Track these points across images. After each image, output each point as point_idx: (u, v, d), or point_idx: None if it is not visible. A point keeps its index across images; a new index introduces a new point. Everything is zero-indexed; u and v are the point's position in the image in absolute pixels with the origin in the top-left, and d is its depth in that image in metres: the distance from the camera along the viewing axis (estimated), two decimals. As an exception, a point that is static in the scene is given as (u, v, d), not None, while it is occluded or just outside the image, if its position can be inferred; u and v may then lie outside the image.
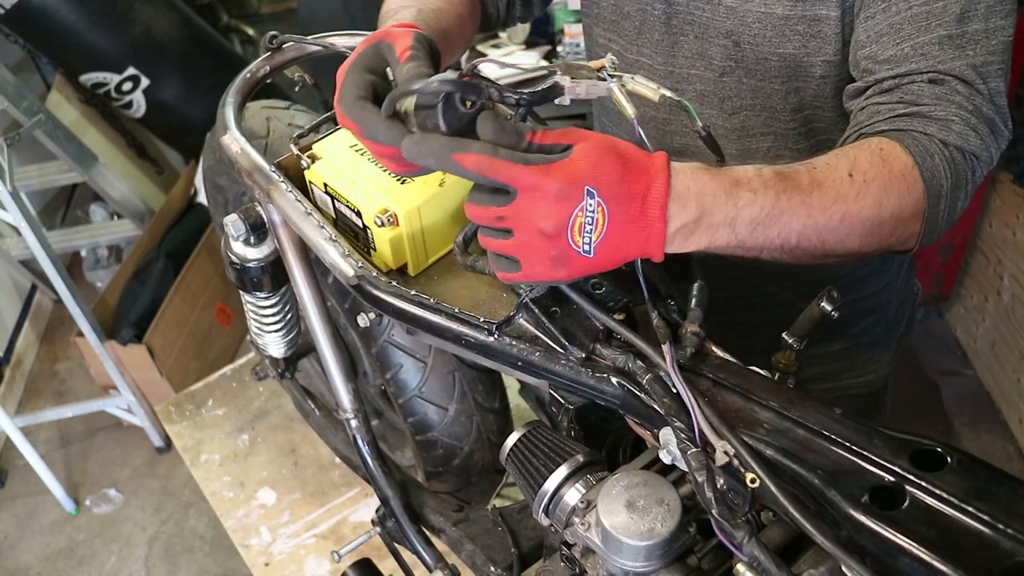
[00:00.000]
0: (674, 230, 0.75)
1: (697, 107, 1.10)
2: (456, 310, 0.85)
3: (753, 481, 0.69)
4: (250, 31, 4.05)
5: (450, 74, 0.72)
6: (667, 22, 1.08)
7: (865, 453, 0.68)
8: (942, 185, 0.85)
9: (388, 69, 0.82)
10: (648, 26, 1.11)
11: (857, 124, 0.92)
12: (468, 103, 0.73)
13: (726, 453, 0.71)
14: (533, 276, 0.75)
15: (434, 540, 1.32)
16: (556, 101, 0.76)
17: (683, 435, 0.73)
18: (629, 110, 0.76)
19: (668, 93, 0.78)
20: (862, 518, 0.64)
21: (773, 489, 0.68)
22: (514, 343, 0.83)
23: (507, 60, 2.82)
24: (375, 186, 0.91)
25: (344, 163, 0.95)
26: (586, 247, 0.72)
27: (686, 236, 0.76)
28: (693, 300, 0.82)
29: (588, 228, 0.72)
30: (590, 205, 0.71)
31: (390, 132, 0.75)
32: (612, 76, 0.78)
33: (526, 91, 0.75)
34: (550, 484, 0.85)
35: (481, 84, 0.72)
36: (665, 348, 0.76)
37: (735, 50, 1.04)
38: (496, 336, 0.83)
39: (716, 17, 1.03)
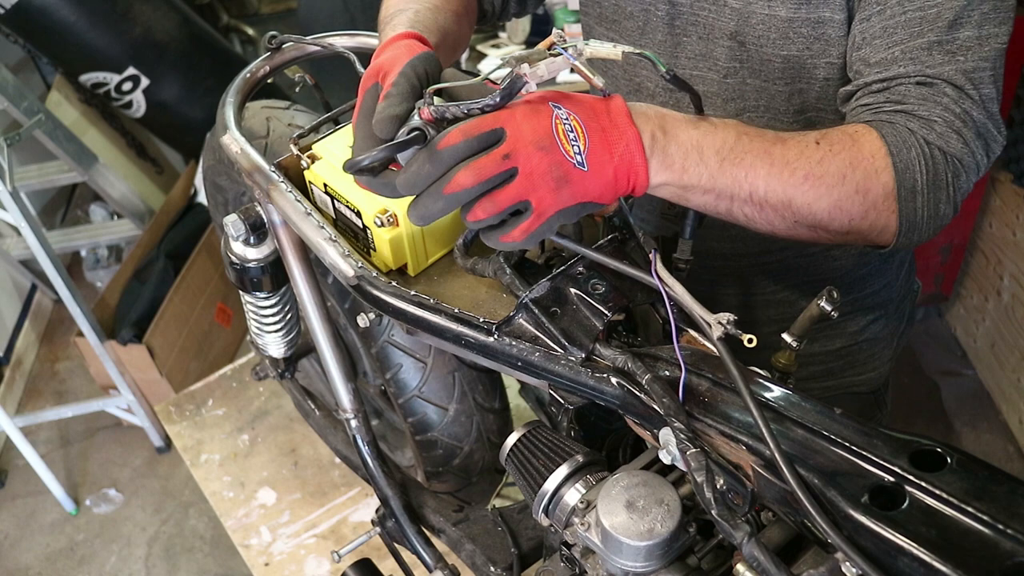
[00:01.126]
0: (648, 139, 0.79)
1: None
2: (456, 310, 0.85)
3: (751, 342, 0.74)
4: (250, 31, 4.05)
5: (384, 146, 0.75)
6: (670, 22, 1.08)
7: (865, 453, 0.68)
8: (916, 180, 0.86)
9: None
10: (651, 26, 1.10)
11: (847, 123, 0.94)
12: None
13: (721, 323, 0.75)
14: (546, 210, 0.76)
15: (434, 540, 1.32)
16: (523, 91, 0.77)
17: (683, 435, 0.73)
18: (596, 81, 0.77)
19: (628, 48, 0.78)
20: (862, 518, 0.64)
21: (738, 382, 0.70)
22: (514, 343, 0.83)
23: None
24: (375, 186, 0.91)
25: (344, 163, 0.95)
26: (578, 157, 0.75)
27: (661, 153, 0.79)
28: (687, 230, 0.88)
29: (572, 136, 0.75)
30: (562, 114, 0.76)
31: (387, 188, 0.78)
32: (564, 48, 0.77)
33: (489, 96, 0.76)
34: (550, 484, 0.85)
35: (424, 131, 0.75)
36: (652, 255, 0.82)
37: (740, 51, 1.04)
38: (496, 336, 0.83)
39: (721, 18, 1.03)
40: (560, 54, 0.77)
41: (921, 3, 0.88)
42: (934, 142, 0.87)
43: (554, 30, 0.79)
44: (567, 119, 0.75)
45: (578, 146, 0.75)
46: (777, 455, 0.68)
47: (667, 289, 0.80)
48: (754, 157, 0.82)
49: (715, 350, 0.76)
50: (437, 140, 0.73)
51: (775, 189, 0.83)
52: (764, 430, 0.70)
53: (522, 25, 2.83)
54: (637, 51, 0.79)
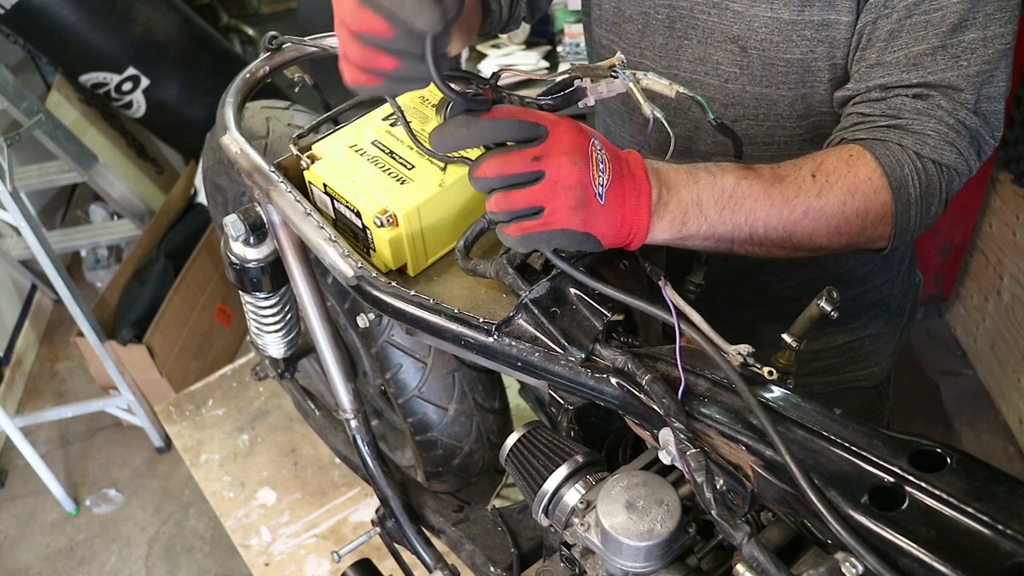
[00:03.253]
0: (655, 197, 0.80)
1: (699, 113, 1.11)
2: (455, 311, 0.85)
3: (771, 374, 0.76)
4: (250, 31, 4.05)
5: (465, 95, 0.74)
6: (670, 26, 1.07)
7: (865, 453, 0.68)
8: (910, 193, 0.90)
9: None
10: (651, 29, 1.10)
11: (842, 128, 0.96)
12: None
13: (740, 354, 0.76)
14: (555, 222, 0.77)
15: (434, 540, 1.32)
16: (580, 103, 0.79)
17: (682, 435, 0.73)
18: (646, 108, 0.78)
19: (682, 89, 0.81)
20: (862, 519, 0.64)
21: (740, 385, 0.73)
22: (513, 344, 0.83)
23: (507, 60, 2.82)
24: (375, 186, 0.91)
25: (344, 163, 0.95)
26: (600, 188, 0.76)
27: (663, 211, 0.81)
28: (703, 255, 0.91)
29: (601, 167, 0.76)
30: (597, 145, 0.77)
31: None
32: (625, 73, 0.79)
33: (549, 96, 0.78)
34: (550, 484, 0.85)
35: (487, 101, 0.76)
36: (662, 283, 0.82)
37: (741, 56, 1.03)
38: (495, 337, 0.83)
39: (723, 22, 1.03)
40: (619, 76, 0.79)
41: (927, 7, 0.89)
42: (927, 155, 0.90)
43: (618, 53, 0.80)
44: (600, 151, 0.77)
45: (603, 178, 0.76)
46: (789, 460, 0.68)
47: (680, 320, 0.80)
48: (753, 201, 0.84)
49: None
50: (484, 110, 0.75)
51: (775, 227, 0.86)
52: (776, 440, 0.70)
53: (524, 25, 2.82)
54: (690, 94, 0.81)
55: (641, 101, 0.79)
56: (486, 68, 2.79)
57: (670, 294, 0.82)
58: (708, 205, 0.82)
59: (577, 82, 0.79)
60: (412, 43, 0.65)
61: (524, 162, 0.75)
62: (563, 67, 0.87)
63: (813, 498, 0.65)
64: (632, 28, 1.12)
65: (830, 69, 1.00)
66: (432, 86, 1.07)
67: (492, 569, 1.19)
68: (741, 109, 1.08)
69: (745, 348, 0.77)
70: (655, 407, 0.76)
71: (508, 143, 0.76)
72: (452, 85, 0.71)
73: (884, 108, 0.92)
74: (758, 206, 0.84)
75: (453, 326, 0.85)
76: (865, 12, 0.93)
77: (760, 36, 1.01)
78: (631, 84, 0.79)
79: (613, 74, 0.80)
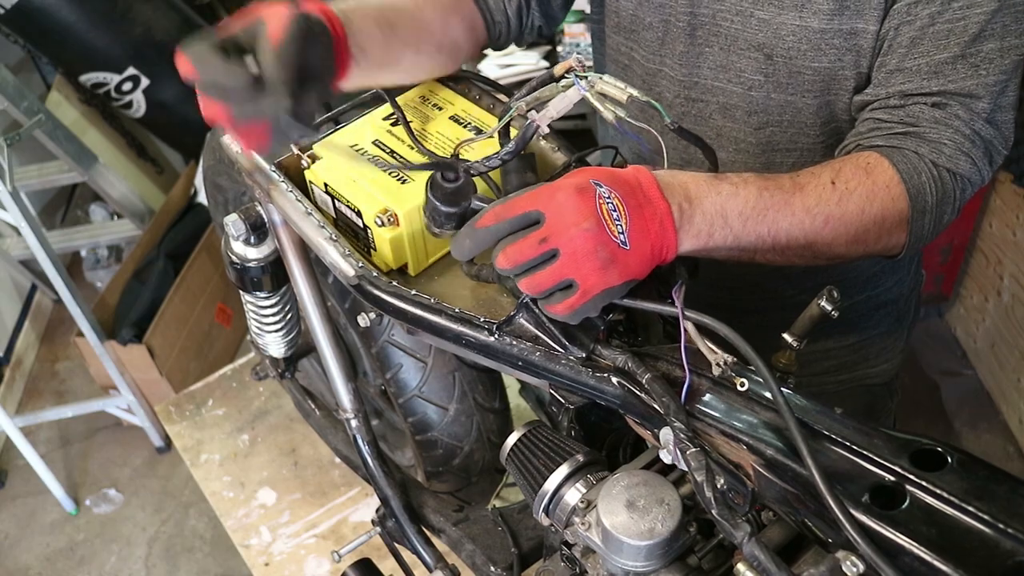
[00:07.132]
0: (676, 212, 0.79)
1: (720, 121, 1.10)
2: (456, 310, 0.85)
3: (743, 385, 0.75)
4: (250, 31, 4.04)
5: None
6: (691, 33, 1.06)
7: (865, 453, 0.68)
8: (927, 201, 0.90)
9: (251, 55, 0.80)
10: (671, 37, 1.08)
11: (857, 134, 0.96)
12: (450, 178, 0.79)
13: (719, 364, 0.76)
14: (591, 288, 0.76)
15: (434, 540, 1.32)
16: (540, 133, 0.79)
17: (683, 434, 0.73)
18: (607, 114, 0.77)
19: (635, 92, 0.80)
20: (862, 518, 0.64)
21: (772, 386, 0.71)
22: (514, 343, 0.83)
23: (507, 60, 2.82)
24: (375, 186, 0.91)
25: (344, 163, 0.95)
26: (622, 236, 0.76)
27: (688, 224, 0.80)
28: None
29: (615, 215, 0.75)
30: (604, 192, 0.75)
31: (230, 74, 0.74)
32: (580, 77, 0.78)
33: (503, 150, 0.79)
34: (550, 484, 0.85)
35: (457, 163, 0.79)
36: (675, 290, 0.80)
37: (766, 63, 1.02)
38: (496, 336, 0.83)
39: (747, 29, 1.02)
40: (572, 85, 0.78)
41: (950, 16, 0.89)
42: (943, 164, 0.91)
43: (574, 55, 0.79)
44: (610, 198, 0.76)
45: (621, 225, 0.76)
46: (812, 467, 0.68)
47: (684, 322, 0.79)
48: (776, 212, 0.84)
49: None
50: (474, 220, 0.77)
51: (797, 238, 0.86)
52: (803, 448, 0.70)
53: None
54: (644, 97, 0.80)
55: (599, 107, 0.78)
56: (486, 68, 2.79)
57: (679, 296, 0.81)
58: (732, 216, 0.82)
59: (531, 114, 0.79)
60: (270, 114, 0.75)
61: (533, 247, 0.75)
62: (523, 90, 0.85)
63: (833, 505, 0.65)
64: (651, 36, 1.10)
65: (855, 78, 1.00)
66: (432, 84, 1.08)
67: (492, 569, 1.19)
68: (765, 116, 1.07)
69: (723, 357, 0.76)
70: (656, 406, 0.76)
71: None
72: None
73: (902, 115, 0.93)
74: (780, 217, 0.84)
75: (454, 325, 0.85)
76: (888, 18, 0.93)
77: (787, 44, 1.00)
78: (587, 94, 0.78)
79: (565, 84, 0.79)
